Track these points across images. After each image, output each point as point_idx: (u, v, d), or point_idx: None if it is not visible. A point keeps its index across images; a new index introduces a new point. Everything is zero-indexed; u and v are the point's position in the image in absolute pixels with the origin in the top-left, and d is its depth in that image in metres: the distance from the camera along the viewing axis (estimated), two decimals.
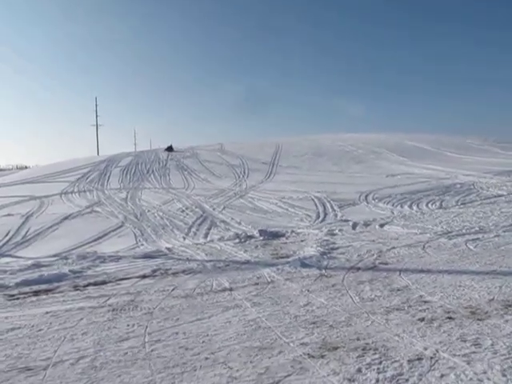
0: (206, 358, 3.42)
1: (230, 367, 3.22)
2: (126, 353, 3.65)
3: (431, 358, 3.14)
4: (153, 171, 27.77)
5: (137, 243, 10.25)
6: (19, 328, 4.50)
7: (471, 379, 2.80)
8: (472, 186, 15.87)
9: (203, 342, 3.80)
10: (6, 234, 11.68)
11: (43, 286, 6.34)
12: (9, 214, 15.38)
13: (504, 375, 2.83)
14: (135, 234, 11.26)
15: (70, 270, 7.22)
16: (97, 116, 66.81)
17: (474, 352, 3.19)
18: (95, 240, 10.97)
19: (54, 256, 8.85)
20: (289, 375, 3.02)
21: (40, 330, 4.39)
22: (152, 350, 3.66)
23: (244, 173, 25.96)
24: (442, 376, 2.86)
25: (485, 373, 2.87)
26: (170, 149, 38.12)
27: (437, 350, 3.25)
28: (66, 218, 14.36)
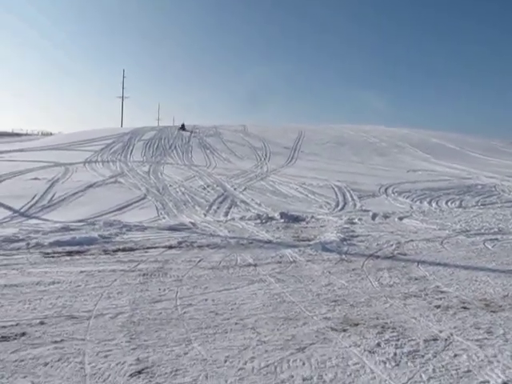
0: (236, 323, 3.70)
1: (258, 332, 3.49)
2: (160, 313, 3.95)
3: (446, 339, 3.37)
4: (175, 147, 28.10)
5: (158, 216, 10.57)
6: (59, 283, 4.84)
7: (482, 360, 3.04)
8: (493, 188, 15.85)
9: (232, 309, 4.07)
10: (33, 198, 12.11)
11: (75, 248, 6.70)
12: (36, 178, 15.84)
13: None
14: (157, 207, 11.58)
15: (99, 235, 7.57)
16: (123, 88, 67.16)
17: (486, 338, 3.42)
18: (119, 209, 11.32)
19: (80, 221, 9.20)
20: (313, 343, 3.28)
21: (78, 286, 4.72)
22: (184, 313, 3.95)
23: (266, 156, 26.14)
24: (455, 356, 3.10)
25: (495, 356, 3.11)
26: (182, 127, 36.75)
27: (451, 334, 3.48)
28: (90, 186, 14.75)
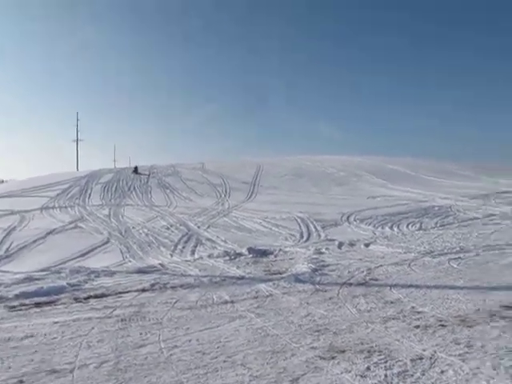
0: (225, 361, 3.69)
1: (249, 368, 3.50)
2: (146, 357, 3.89)
3: (430, 357, 3.50)
4: (134, 188, 27.82)
5: (124, 259, 10.42)
6: (32, 336, 4.67)
7: (467, 373, 3.19)
8: (450, 209, 16.52)
9: (218, 347, 4.06)
10: None
11: (43, 298, 6.48)
12: None
13: (494, 369, 3.25)
14: (121, 251, 11.42)
15: (67, 283, 7.36)
16: (77, 131, 66.24)
17: (467, 352, 3.59)
18: (82, 255, 11.09)
19: (43, 270, 8.93)
20: (305, 373, 3.32)
21: (54, 338, 4.57)
22: (171, 355, 3.91)
23: (226, 192, 26.26)
24: (442, 372, 3.23)
25: (478, 368, 3.28)
26: (135, 171, 34.38)
27: (435, 351, 3.62)
28: (49, 233, 14.38)
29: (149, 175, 33.14)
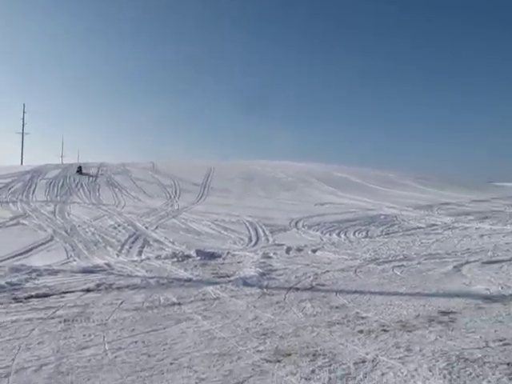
0: (171, 363, 3.67)
1: (195, 370, 3.50)
2: (90, 360, 3.80)
3: (372, 360, 3.63)
4: (82, 185, 27.09)
5: (68, 258, 10.11)
6: None
7: (406, 375, 3.35)
8: (395, 218, 17.09)
9: (164, 349, 4.03)
10: None
11: None
12: None
13: (430, 371, 3.42)
14: (66, 249, 11.08)
15: (6, 282, 7.06)
16: (23, 124, 63.63)
17: (406, 355, 3.75)
18: (23, 253, 10.67)
19: None
20: (251, 376, 3.35)
21: None
22: (115, 357, 3.84)
23: (176, 193, 26.02)
24: (383, 374, 3.37)
25: (416, 370, 3.45)
26: (79, 171, 31.78)
27: (377, 355, 3.75)
28: None
29: (96, 176, 31.20)
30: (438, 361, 3.59)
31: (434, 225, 15.33)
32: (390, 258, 8.98)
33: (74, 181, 28.52)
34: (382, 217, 17.46)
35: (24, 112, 64.37)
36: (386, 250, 10.09)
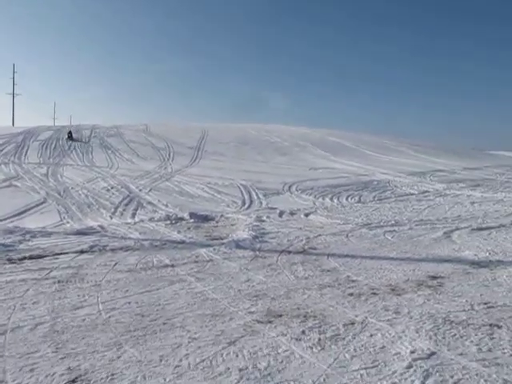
0: (164, 323, 3.74)
1: (188, 330, 3.57)
2: (84, 319, 3.86)
3: (361, 322, 3.72)
4: (75, 148, 26.85)
5: (62, 220, 10.12)
6: None
7: (393, 336, 3.44)
8: (387, 184, 17.16)
9: (157, 310, 4.10)
10: None
11: None
12: None
13: (417, 332, 3.53)
14: (59, 211, 11.08)
15: (0, 244, 7.10)
16: (14, 84, 62.32)
17: (395, 318, 3.85)
18: (16, 215, 10.66)
19: None
20: (243, 336, 3.43)
21: None
22: (109, 317, 3.90)
23: (169, 156, 25.89)
24: (371, 335, 3.46)
25: (403, 332, 3.54)
26: (70, 136, 29.45)
27: (366, 317, 3.84)
28: None
29: (88, 142, 29.80)
30: (424, 323, 3.68)
31: (426, 191, 15.42)
32: (381, 224, 9.07)
33: (67, 142, 28.25)
34: (375, 182, 17.52)
35: (14, 72, 62.88)
36: (377, 216, 10.17)
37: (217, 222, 9.67)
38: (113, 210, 11.36)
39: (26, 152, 24.33)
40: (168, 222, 9.64)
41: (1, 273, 5.50)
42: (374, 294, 4.56)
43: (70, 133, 29.43)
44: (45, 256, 6.40)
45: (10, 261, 6.17)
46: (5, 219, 10.15)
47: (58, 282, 5.05)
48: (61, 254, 6.53)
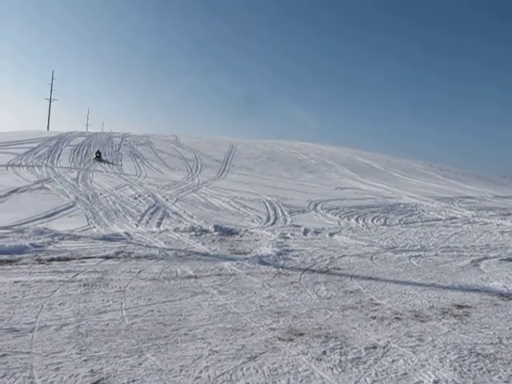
0: (185, 334, 3.75)
1: (208, 342, 3.58)
2: (108, 324, 3.92)
3: (384, 347, 3.65)
4: (105, 154, 27.36)
5: (89, 225, 10.31)
6: None
7: (416, 364, 3.35)
8: (414, 208, 16.91)
9: (179, 320, 4.12)
10: None
11: (4, 257, 6.42)
12: None
13: (441, 362, 3.41)
14: (87, 216, 11.30)
15: (30, 244, 7.29)
16: (51, 90, 64.09)
17: (418, 345, 3.75)
18: (46, 217, 10.93)
19: (5, 228, 8.78)
20: (263, 352, 3.42)
21: (15, 297, 4.55)
22: (132, 324, 3.95)
23: (197, 167, 26.14)
24: (393, 361, 3.39)
25: (426, 360, 3.44)
26: (99, 157, 26.23)
27: (388, 342, 3.77)
28: (13, 191, 14.10)
29: (119, 164, 25.40)
30: (449, 353, 3.59)
31: (453, 217, 15.14)
32: (407, 248, 8.94)
33: (99, 149, 28.80)
34: (402, 205, 17.31)
35: (53, 78, 64.67)
36: (403, 239, 10.04)
37: (241, 236, 9.71)
38: (139, 217, 11.53)
39: (59, 156, 24.91)
40: (193, 233, 9.73)
41: (31, 272, 5.64)
42: (398, 318, 4.48)
43: (98, 153, 26.83)
44: (72, 259, 6.54)
45: (39, 261, 6.32)
46: (36, 220, 10.42)
47: (84, 285, 5.13)
48: (87, 258, 6.66)
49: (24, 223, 9.80)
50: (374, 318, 4.47)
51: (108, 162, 25.79)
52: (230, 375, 3.01)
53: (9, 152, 24.24)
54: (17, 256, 6.52)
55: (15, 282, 5.11)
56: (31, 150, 25.49)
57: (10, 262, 6.18)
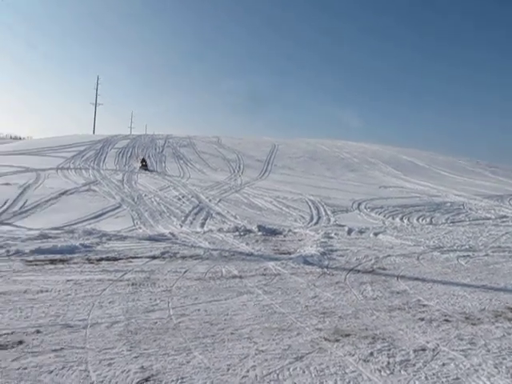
0: (232, 333, 3.80)
1: (255, 342, 3.61)
2: (156, 322, 4.01)
3: (433, 350, 3.57)
4: (149, 156, 27.91)
5: (134, 225, 10.53)
6: (47, 291, 4.83)
7: (469, 369, 3.25)
8: (462, 206, 16.40)
9: (225, 319, 4.17)
10: (4, 203, 11.86)
11: (57, 256, 6.67)
12: (7, 184, 15.49)
13: (496, 368, 3.30)
14: (133, 217, 11.54)
15: (80, 244, 7.54)
16: (97, 95, 66.02)
17: (470, 349, 3.64)
18: (94, 218, 11.24)
19: (56, 229, 9.11)
20: (310, 353, 3.41)
21: (68, 295, 4.73)
22: (179, 322, 4.02)
23: (239, 168, 26.28)
24: (444, 364, 3.30)
25: (480, 365, 3.33)
26: (144, 165, 23.55)
27: (437, 345, 3.68)
28: (63, 194, 14.55)
29: (164, 174, 22.28)
30: (505, 359, 3.45)
31: (504, 216, 14.58)
32: (454, 247, 8.69)
33: (142, 151, 29.41)
34: (448, 204, 16.82)
35: (98, 83, 66.53)
36: (450, 239, 9.76)
37: (284, 236, 9.70)
38: (183, 218, 11.68)
39: (104, 159, 25.60)
40: (236, 233, 9.79)
41: (82, 271, 5.84)
42: (447, 320, 4.37)
43: (143, 161, 24.07)
44: (119, 259, 6.71)
45: (89, 261, 6.53)
46: (84, 221, 10.74)
47: (132, 284, 5.27)
48: (134, 257, 6.82)
49: (74, 224, 10.12)
50: (422, 319, 4.38)
51: (156, 171, 23.08)
52: (277, 375, 3.02)
53: (59, 156, 25.12)
54: (68, 256, 6.76)
55: (68, 281, 5.30)
56: (79, 154, 26.32)
57: (62, 261, 6.41)
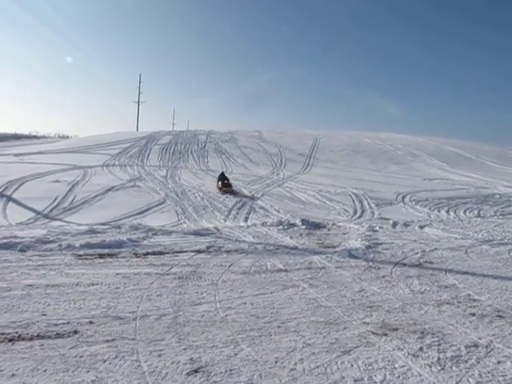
0: (278, 327, 3.81)
1: (302, 335, 3.61)
2: (203, 315, 4.08)
3: (486, 346, 3.47)
4: (191, 152, 28.31)
5: (179, 220, 10.70)
6: (98, 284, 5.00)
7: None
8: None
9: (271, 313, 4.19)
10: (55, 200, 12.30)
11: (106, 250, 6.87)
12: (56, 181, 16.07)
13: None
14: (177, 212, 11.72)
15: (127, 239, 7.73)
16: (139, 93, 67.20)
17: None
18: (140, 213, 11.48)
19: (104, 224, 9.36)
20: (358, 347, 3.39)
21: (118, 288, 4.87)
22: (226, 315, 4.08)
23: (281, 162, 26.26)
24: (499, 362, 3.19)
25: None
26: (225, 183, 15.73)
27: (491, 341, 3.57)
28: (109, 190, 14.94)
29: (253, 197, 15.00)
30: None
31: None
32: (505, 241, 8.40)
33: (185, 147, 29.81)
34: (497, 196, 16.23)
35: (140, 81, 67.62)
36: (500, 232, 9.43)
37: (328, 230, 9.63)
38: (226, 213, 11.78)
39: (148, 155, 26.13)
40: (280, 227, 9.79)
41: (130, 265, 6.00)
42: (500, 316, 4.23)
43: (225, 179, 16.38)
44: (166, 253, 6.85)
45: (136, 255, 6.69)
46: (130, 216, 11.00)
47: (179, 278, 5.37)
48: (180, 252, 6.94)
49: (120, 219, 10.38)
50: (473, 314, 4.26)
51: (243, 195, 15.40)
52: (325, 368, 3.01)
53: (104, 153, 25.83)
54: (116, 250, 6.95)
55: (117, 274, 5.46)
56: (123, 151, 26.96)
57: (110, 255, 6.60)
